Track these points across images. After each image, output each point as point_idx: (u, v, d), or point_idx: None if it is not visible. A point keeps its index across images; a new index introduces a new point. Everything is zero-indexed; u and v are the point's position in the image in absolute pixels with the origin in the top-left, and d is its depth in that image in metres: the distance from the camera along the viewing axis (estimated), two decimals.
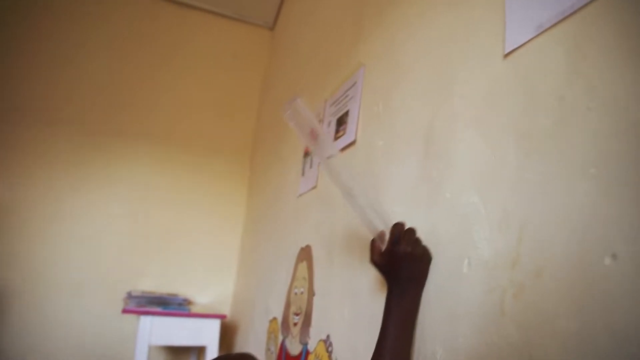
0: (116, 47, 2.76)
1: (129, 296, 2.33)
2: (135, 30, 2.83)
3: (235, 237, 2.81)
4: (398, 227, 0.76)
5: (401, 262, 0.74)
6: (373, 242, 0.81)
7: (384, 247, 0.77)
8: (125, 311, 2.29)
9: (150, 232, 2.68)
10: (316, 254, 1.35)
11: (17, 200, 2.49)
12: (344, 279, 1.12)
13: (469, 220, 0.69)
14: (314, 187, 1.46)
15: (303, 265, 1.43)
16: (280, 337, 1.56)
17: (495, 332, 0.60)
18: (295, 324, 1.42)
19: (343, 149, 1.24)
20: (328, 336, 1.14)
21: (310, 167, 1.53)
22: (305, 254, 1.43)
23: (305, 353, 1.29)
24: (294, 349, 1.40)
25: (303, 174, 1.61)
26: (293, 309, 1.47)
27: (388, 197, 0.95)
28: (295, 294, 1.49)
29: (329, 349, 1.13)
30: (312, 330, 1.26)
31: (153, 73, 2.81)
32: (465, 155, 0.73)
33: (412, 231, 0.76)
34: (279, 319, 1.60)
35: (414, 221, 0.82)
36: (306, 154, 1.61)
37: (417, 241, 0.76)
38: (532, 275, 0.56)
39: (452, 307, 0.69)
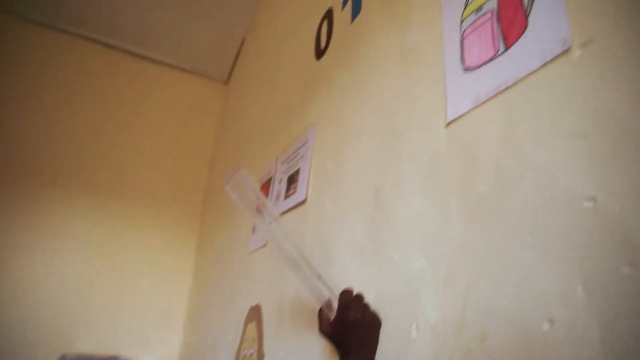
0: (69, 98, 2.71)
1: (63, 358, 2.17)
2: (90, 81, 2.79)
3: (183, 294, 2.71)
4: (346, 294, 0.75)
5: (351, 329, 0.73)
6: (320, 311, 0.80)
7: (332, 315, 0.76)
8: None
9: (91, 288, 2.54)
10: (266, 314, 1.32)
11: None
12: (294, 343, 1.09)
13: (417, 283, 0.70)
14: (265, 245, 1.45)
15: (252, 326, 1.39)
16: None
17: None
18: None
19: (293, 207, 1.24)
20: None
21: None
22: (255, 314, 1.40)
23: None
24: None
25: (254, 231, 1.59)
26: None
27: (338, 259, 0.96)
28: (244, 355, 1.43)
29: None
30: None
31: (104, 124, 2.76)
32: (412, 219, 0.75)
33: (360, 297, 0.76)
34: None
35: (364, 284, 0.83)
36: (258, 210, 1.60)
37: (366, 307, 0.76)
38: (477, 339, 0.57)
39: None
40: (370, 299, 0.79)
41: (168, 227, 2.77)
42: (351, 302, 0.75)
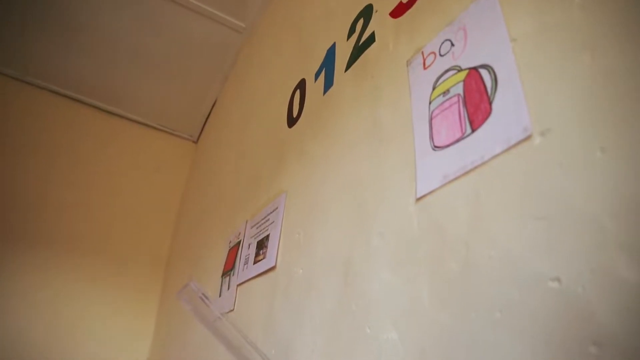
0: (34, 150, 2.66)
1: None
2: (57, 134, 2.76)
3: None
4: None
5: None
6: None
7: None
8: None
9: (41, 353, 2.38)
10: None
11: None
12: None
13: (389, 357, 0.70)
14: (231, 311, 1.41)
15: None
16: None
17: None
18: None
19: (263, 273, 1.23)
20: None
21: (228, 288, 1.49)
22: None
23: None
24: None
25: (220, 294, 1.55)
26: None
27: (308, 329, 0.94)
28: None
29: None
30: None
31: (70, 176, 2.70)
32: (383, 293, 0.76)
33: None
34: None
35: (335, 356, 0.81)
36: (224, 273, 1.57)
37: None
38: None
39: None
40: None
41: (129, 286, 2.67)
42: None
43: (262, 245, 1.27)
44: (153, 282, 2.73)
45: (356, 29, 1.19)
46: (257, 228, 1.36)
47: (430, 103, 0.79)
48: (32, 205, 2.56)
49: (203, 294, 0.82)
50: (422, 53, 0.86)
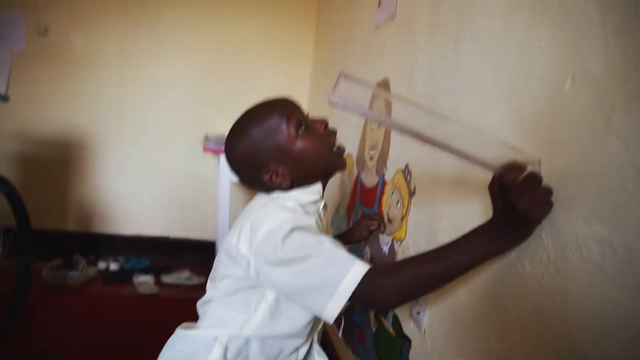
0: None
1: (207, 138, 2.47)
2: None
3: (305, 77, 2.81)
4: (531, 178, 0.63)
5: (518, 217, 0.64)
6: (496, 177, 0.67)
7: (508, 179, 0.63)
8: (206, 149, 2.46)
9: (218, 79, 2.72)
10: (394, 87, 1.33)
11: (92, 51, 2.57)
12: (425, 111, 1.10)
13: (577, 30, 0.63)
14: (393, 17, 1.38)
15: (380, 100, 1.42)
16: (355, 171, 1.62)
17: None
18: (371, 158, 1.47)
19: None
20: (407, 165, 1.17)
21: None
22: (383, 88, 1.41)
23: (382, 184, 1.35)
24: (370, 181, 1.46)
25: (380, 4, 1.50)
26: (369, 143, 1.51)
27: (480, 16, 0.88)
28: (371, 129, 1.50)
29: (407, 177, 1.16)
30: (389, 162, 1.30)
31: None
32: None
33: (545, 191, 0.64)
34: (354, 155, 1.65)
35: (512, 39, 0.77)
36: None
37: (548, 205, 0.64)
38: None
39: (549, 127, 0.67)
40: (517, 54, 0.74)
41: (285, 11, 2.75)
42: (531, 189, 0.63)
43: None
44: (309, 5, 2.75)
45: None
46: None
47: None
48: None
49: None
50: None
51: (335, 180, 1.90)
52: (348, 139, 1.73)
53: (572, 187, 0.61)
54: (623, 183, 0.54)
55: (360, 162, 1.57)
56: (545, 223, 0.65)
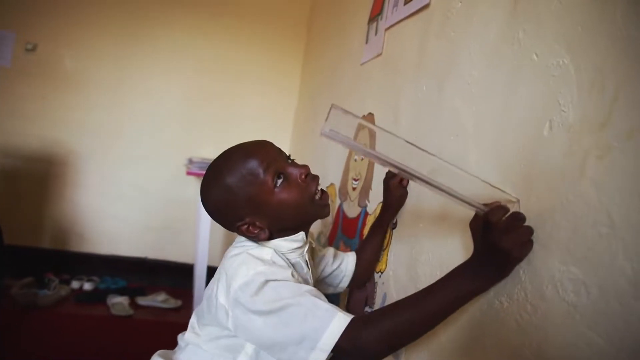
0: None
1: (190, 162, 2.48)
2: None
3: (290, 106, 2.85)
4: (515, 217, 0.65)
5: (501, 255, 0.66)
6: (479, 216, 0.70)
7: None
8: (189, 173, 2.46)
9: (205, 103, 2.75)
10: (379, 122, 1.36)
11: (81, 69, 2.58)
12: (409, 145, 1.14)
13: (556, 83, 0.67)
14: (379, 55, 1.43)
15: (364, 133, 1.45)
16: (338, 202, 1.64)
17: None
18: (354, 189, 1.49)
19: (414, 13, 1.18)
20: None
21: (376, 33, 1.47)
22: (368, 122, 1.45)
23: (364, 215, 1.37)
24: (352, 211, 1.48)
25: (367, 41, 1.56)
26: (352, 174, 1.53)
27: (464, 62, 0.92)
28: (355, 160, 1.53)
29: None
30: (372, 194, 1.32)
31: None
32: (558, 15, 0.69)
33: (527, 229, 0.66)
34: (337, 185, 1.68)
35: (493, 83, 0.81)
36: (371, 19, 1.54)
37: (529, 244, 0.66)
38: (622, 137, 0.55)
39: (527, 169, 0.70)
40: (499, 99, 0.78)
41: (275, 42, 2.80)
42: (514, 228, 0.65)
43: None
44: (297, 33, 2.81)
45: None
46: None
47: None
48: None
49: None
50: None
51: None
52: (332, 168, 1.75)
53: (549, 228, 0.64)
54: (596, 227, 0.57)
55: (343, 192, 1.60)
56: (523, 262, 0.68)
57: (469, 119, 0.89)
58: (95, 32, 2.57)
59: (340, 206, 1.61)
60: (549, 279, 0.63)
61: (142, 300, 2.40)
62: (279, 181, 0.84)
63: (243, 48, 2.76)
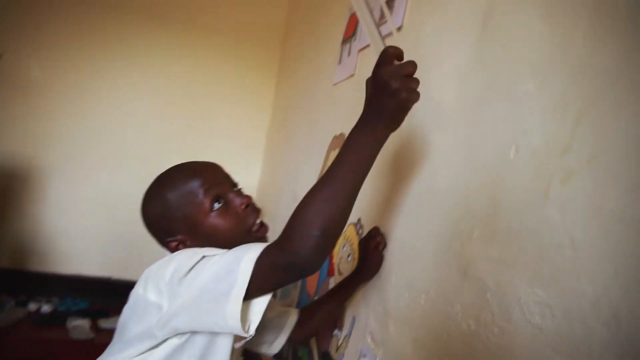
0: None
1: None
2: None
3: (263, 125, 2.84)
4: (409, 63, 0.65)
5: (389, 96, 0.65)
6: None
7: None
8: None
9: (174, 119, 2.70)
10: None
11: (48, 80, 2.52)
12: (379, 166, 1.14)
13: (522, 107, 0.69)
14: (352, 76, 1.44)
15: (335, 153, 1.45)
16: None
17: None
18: None
19: (387, 35, 1.19)
20: (359, 219, 1.19)
21: (349, 54, 1.49)
22: (339, 142, 1.45)
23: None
24: None
25: (340, 61, 1.57)
26: None
27: (436, 81, 0.94)
28: None
29: (359, 231, 1.18)
30: None
31: None
32: (525, 42, 0.71)
33: (406, 65, 0.65)
34: None
35: (464, 103, 0.82)
36: (344, 40, 1.56)
37: (417, 94, 0.66)
38: (583, 162, 0.57)
39: (495, 192, 0.71)
40: (468, 122, 0.79)
41: (248, 62, 2.79)
42: (405, 70, 0.65)
43: (387, 6, 1.21)
44: (271, 54, 2.82)
45: None
46: None
47: None
48: None
49: None
50: None
51: None
52: (303, 187, 1.75)
53: (515, 249, 0.65)
54: (560, 250, 0.57)
55: None
56: (490, 283, 0.68)
57: (438, 140, 0.90)
58: (64, 43, 2.51)
59: None
60: (516, 301, 0.63)
61: (105, 323, 2.30)
62: (218, 205, 0.83)
63: (215, 65, 2.74)
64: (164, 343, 0.75)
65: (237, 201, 0.84)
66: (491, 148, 0.74)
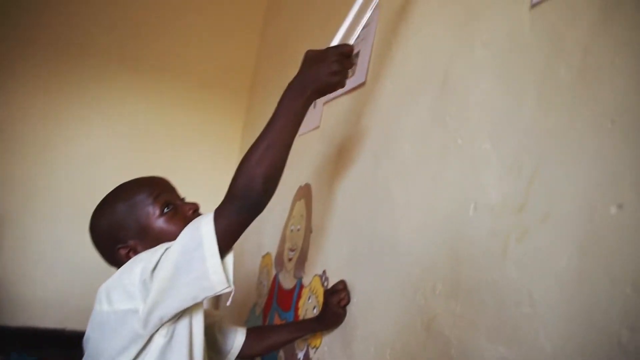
0: None
1: None
2: None
3: (229, 172, 2.82)
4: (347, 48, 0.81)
5: (317, 60, 0.80)
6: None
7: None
8: None
9: (138, 166, 2.62)
10: (316, 192, 1.38)
11: (12, 121, 2.46)
12: (343, 218, 1.15)
13: (479, 166, 0.72)
14: (317, 127, 1.47)
15: (301, 203, 1.46)
16: (274, 272, 1.61)
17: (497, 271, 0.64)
18: (290, 259, 1.47)
19: (351, 90, 1.24)
20: (324, 271, 1.19)
21: (314, 106, 1.53)
22: (304, 193, 1.46)
23: (299, 287, 1.35)
24: (288, 283, 1.45)
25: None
26: (288, 245, 1.52)
27: (396, 139, 0.97)
28: (292, 230, 1.53)
29: (325, 283, 1.18)
30: (308, 265, 1.31)
31: None
32: (481, 104, 0.75)
33: (346, 45, 0.82)
34: (273, 255, 1.65)
35: (423, 162, 0.85)
36: None
37: (344, 58, 0.80)
38: (538, 220, 0.59)
39: (455, 247, 0.73)
40: (428, 178, 0.82)
41: (215, 111, 2.81)
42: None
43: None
44: (238, 104, 2.85)
45: None
46: None
47: None
48: (118, 25, 2.64)
49: None
50: None
51: (252, 278, 1.86)
52: (268, 237, 1.73)
53: (476, 305, 0.66)
54: (519, 306, 0.59)
55: (279, 262, 1.57)
56: (453, 340, 0.69)
57: (400, 194, 0.93)
58: (25, 83, 2.47)
59: (276, 276, 1.58)
60: (479, 357, 0.64)
61: None
62: (167, 210, 0.87)
63: (182, 111, 2.74)
64: (149, 345, 0.77)
65: (186, 207, 0.90)
66: (451, 204, 0.76)
